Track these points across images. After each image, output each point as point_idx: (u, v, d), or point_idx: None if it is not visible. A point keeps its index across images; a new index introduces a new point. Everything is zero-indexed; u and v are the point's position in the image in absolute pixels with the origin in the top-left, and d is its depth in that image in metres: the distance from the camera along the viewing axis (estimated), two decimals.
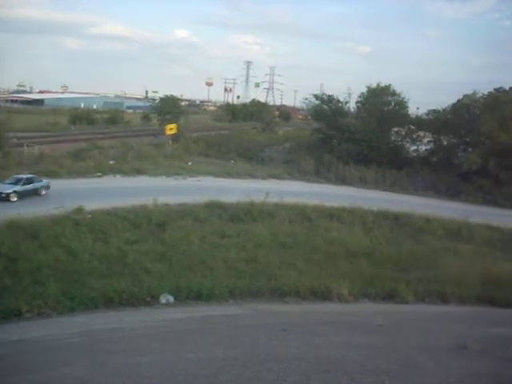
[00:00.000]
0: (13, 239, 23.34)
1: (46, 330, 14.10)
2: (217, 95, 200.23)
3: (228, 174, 45.91)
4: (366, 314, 16.75)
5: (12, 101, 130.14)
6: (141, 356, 7.82)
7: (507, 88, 55.58)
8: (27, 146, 50.07)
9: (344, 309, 18.26)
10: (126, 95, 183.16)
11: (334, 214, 33.17)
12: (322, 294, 19.44)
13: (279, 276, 20.65)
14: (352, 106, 65.16)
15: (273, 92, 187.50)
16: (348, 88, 75.60)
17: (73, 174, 41.52)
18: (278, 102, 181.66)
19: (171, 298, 18.20)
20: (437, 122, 55.87)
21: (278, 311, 17.27)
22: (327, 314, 16.40)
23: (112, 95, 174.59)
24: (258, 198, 31.83)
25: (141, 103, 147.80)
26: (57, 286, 17.83)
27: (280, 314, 16.50)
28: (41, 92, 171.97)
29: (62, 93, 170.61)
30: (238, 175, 46.14)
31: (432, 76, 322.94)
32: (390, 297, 20.48)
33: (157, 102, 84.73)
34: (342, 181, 48.64)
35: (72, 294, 17.54)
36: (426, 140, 58.44)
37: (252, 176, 46.57)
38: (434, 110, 57.86)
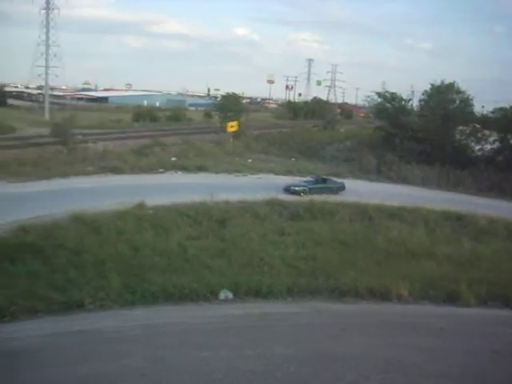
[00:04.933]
0: (77, 233, 23.96)
1: (108, 321, 14.38)
2: (278, 93, 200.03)
3: (289, 172, 45.78)
4: (427, 316, 16.42)
5: (78, 98, 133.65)
6: (199, 351, 7.88)
7: None
8: (92, 142, 51.30)
9: (403, 310, 17.93)
10: (189, 93, 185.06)
11: (394, 213, 32.69)
12: (381, 295, 19.11)
13: (338, 275, 20.42)
14: (415, 103, 64.15)
15: (334, 90, 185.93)
16: (411, 86, 74.56)
17: (136, 170, 42.27)
18: (339, 100, 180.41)
19: (230, 295, 18.26)
20: (503, 120, 54.31)
21: (336, 310, 17.13)
22: (386, 315, 16.17)
23: (174, 93, 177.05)
24: (318, 197, 31.68)
25: (203, 101, 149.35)
26: (119, 280, 18.14)
27: (338, 314, 16.37)
28: (105, 90, 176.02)
29: (126, 90, 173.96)
30: (298, 173, 45.94)
31: (499, 74, 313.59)
32: (452, 299, 19.94)
33: (218, 99, 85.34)
34: (404, 180, 47.80)
35: (133, 287, 17.81)
36: (491, 139, 56.92)
37: (313, 174, 46.34)
38: (500, 108, 56.28)
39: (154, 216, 27.70)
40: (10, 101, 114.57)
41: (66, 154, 47.04)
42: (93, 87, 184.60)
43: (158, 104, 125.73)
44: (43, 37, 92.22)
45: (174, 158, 47.90)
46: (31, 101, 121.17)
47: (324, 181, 39.91)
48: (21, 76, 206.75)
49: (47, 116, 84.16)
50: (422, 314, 17.38)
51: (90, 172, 41.09)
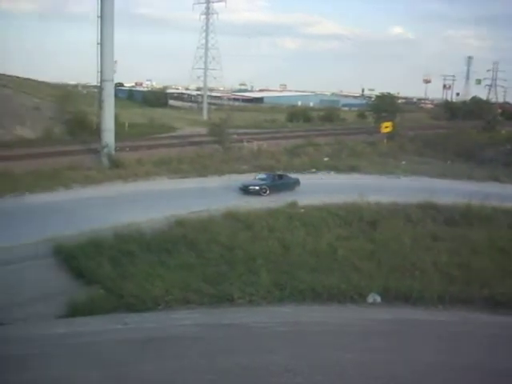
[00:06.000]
0: (230, 229, 24.73)
1: (255, 317, 14.72)
2: (435, 93, 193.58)
3: (443, 175, 44.13)
4: None
5: (234, 99, 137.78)
6: (344, 352, 7.87)
7: None
8: (247, 141, 52.80)
9: None
10: (343, 93, 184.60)
11: None
12: None
13: (494, 284, 19.36)
14: None
15: (495, 89, 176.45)
16: None
17: (288, 169, 42.89)
18: (500, 100, 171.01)
19: (378, 298, 17.98)
20: None
21: (488, 321, 16.27)
22: None
23: (328, 93, 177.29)
24: (476, 201, 30.25)
25: (356, 101, 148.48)
26: (268, 277, 18.47)
27: (491, 325, 15.56)
28: (261, 91, 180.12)
29: (281, 91, 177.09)
30: (454, 176, 44.21)
31: None
32: None
33: (373, 99, 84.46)
34: None
35: (282, 285, 18.04)
36: None
37: (470, 178, 44.30)
38: None
39: (305, 215, 27.94)
40: (171, 102, 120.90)
41: (221, 153, 48.83)
42: (249, 88, 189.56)
43: (311, 104, 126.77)
44: (203, 41, 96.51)
45: (326, 158, 48.15)
46: (190, 102, 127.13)
47: (280, 177, 37.28)
48: (181, 78, 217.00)
49: (205, 116, 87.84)
50: None
51: (244, 170, 42.33)
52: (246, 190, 34.66)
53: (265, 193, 34.40)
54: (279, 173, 38.21)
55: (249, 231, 24.79)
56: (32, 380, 7.22)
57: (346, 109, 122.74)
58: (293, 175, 38.62)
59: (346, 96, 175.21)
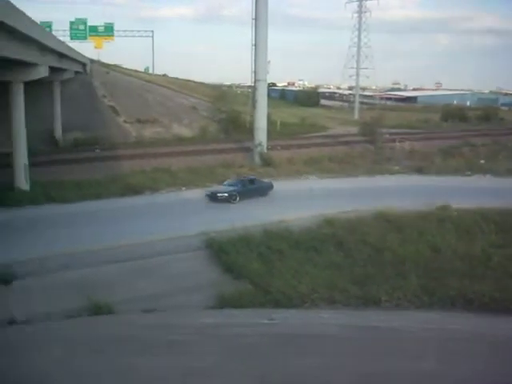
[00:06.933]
0: (379, 230, 24.42)
1: (402, 321, 14.43)
2: None
3: None
4: None
5: (386, 98, 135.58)
6: (496, 364, 7.55)
7: None
8: (398, 141, 51.85)
9: None
10: (502, 91, 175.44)
11: None
12: None
13: None
14: None
15: None
16: None
17: (441, 171, 41.59)
18: None
19: None
20: None
21: None
22: None
23: (486, 91, 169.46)
24: None
25: None
26: (417, 281, 18.07)
27: None
28: (414, 89, 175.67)
29: (435, 90, 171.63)
30: None
31: None
32: None
33: None
34: None
35: (431, 290, 17.56)
36: None
37: None
38: None
39: (458, 219, 26.93)
40: (323, 101, 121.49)
41: (372, 153, 48.34)
42: (402, 87, 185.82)
43: (468, 103, 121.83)
44: (355, 39, 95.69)
45: (482, 161, 46.02)
46: (342, 101, 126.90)
47: (252, 182, 34.42)
48: (333, 77, 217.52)
49: (356, 115, 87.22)
50: None
51: (395, 171, 41.63)
52: (213, 198, 32.44)
53: (234, 200, 32.20)
54: (250, 177, 35.61)
55: (398, 233, 24.35)
56: (177, 366, 7.60)
57: (506, 108, 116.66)
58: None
59: (506, 94, 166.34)
